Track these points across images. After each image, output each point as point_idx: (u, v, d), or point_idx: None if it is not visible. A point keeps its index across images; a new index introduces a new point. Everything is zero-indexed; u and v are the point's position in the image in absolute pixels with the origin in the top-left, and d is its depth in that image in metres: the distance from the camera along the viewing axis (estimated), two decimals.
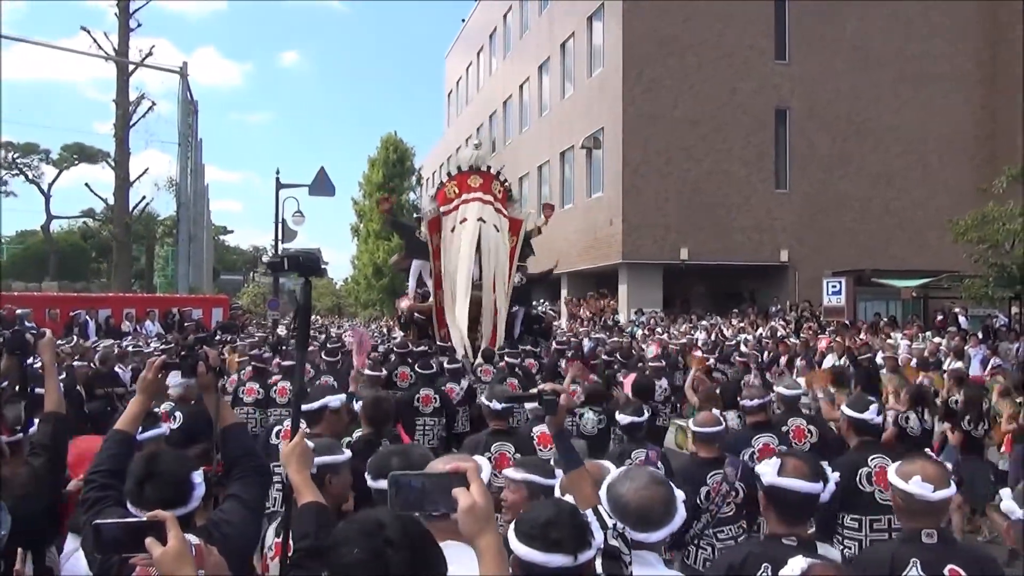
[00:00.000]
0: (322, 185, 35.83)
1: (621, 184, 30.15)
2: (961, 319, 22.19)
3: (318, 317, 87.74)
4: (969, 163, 32.16)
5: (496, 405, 6.52)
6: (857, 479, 5.49)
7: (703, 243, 30.25)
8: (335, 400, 5.77)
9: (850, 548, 5.30)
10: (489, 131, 49.34)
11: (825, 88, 31.35)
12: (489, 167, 17.93)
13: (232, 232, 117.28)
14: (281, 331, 25.83)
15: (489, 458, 6.07)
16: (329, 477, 4.09)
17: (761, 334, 22.64)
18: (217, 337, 20.36)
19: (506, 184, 17.82)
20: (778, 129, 31.50)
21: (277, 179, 35.32)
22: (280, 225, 35.35)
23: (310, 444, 3.52)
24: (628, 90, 30.21)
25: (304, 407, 5.53)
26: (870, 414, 5.75)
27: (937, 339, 18.64)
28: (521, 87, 42.56)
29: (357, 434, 6.28)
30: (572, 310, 32.00)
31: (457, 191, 17.30)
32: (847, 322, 22.54)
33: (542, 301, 36.73)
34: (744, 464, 5.78)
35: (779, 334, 21.54)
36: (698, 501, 5.49)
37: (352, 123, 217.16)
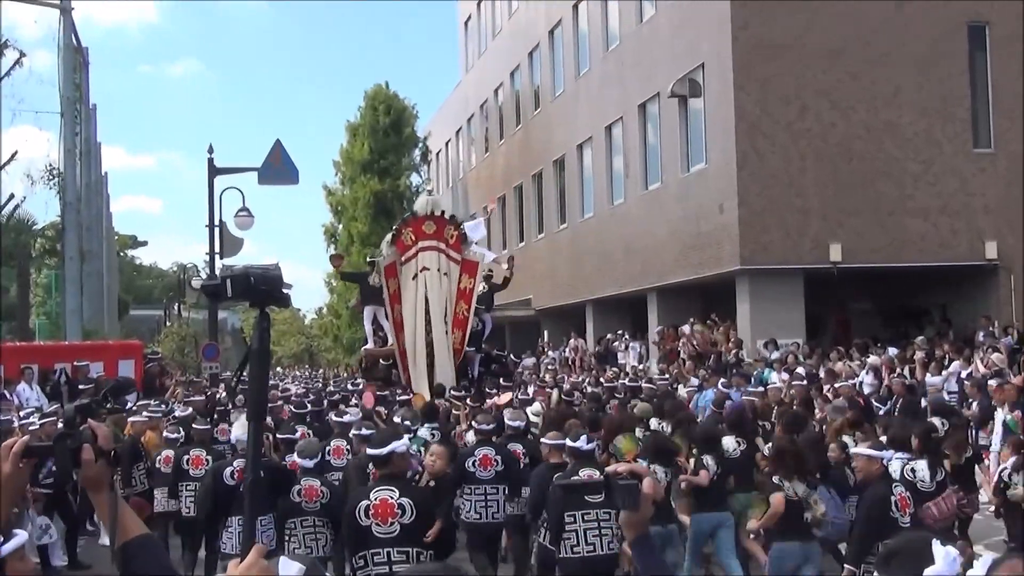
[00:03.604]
0: (278, 168, 36.10)
1: (734, 150, 30.00)
2: None
3: (279, 368, 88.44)
4: None
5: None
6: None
7: (863, 236, 29.97)
8: (401, 445, 9.58)
9: None
10: (529, 76, 49.45)
11: None
12: (443, 212, 26.56)
13: (145, 244, 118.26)
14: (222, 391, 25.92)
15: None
16: None
17: (959, 373, 22.35)
18: (108, 404, 20.34)
19: (460, 227, 26.13)
20: (973, 56, 31.16)
21: (210, 161, 35.59)
22: (217, 230, 35.61)
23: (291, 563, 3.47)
24: (739, 7, 30.15)
25: (372, 452, 9.62)
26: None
27: None
28: (575, 8, 42.62)
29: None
30: (669, 345, 31.83)
31: (413, 238, 25.56)
32: None
33: (620, 333, 36.70)
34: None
35: (984, 373, 21.29)
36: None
37: (321, 73, 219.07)
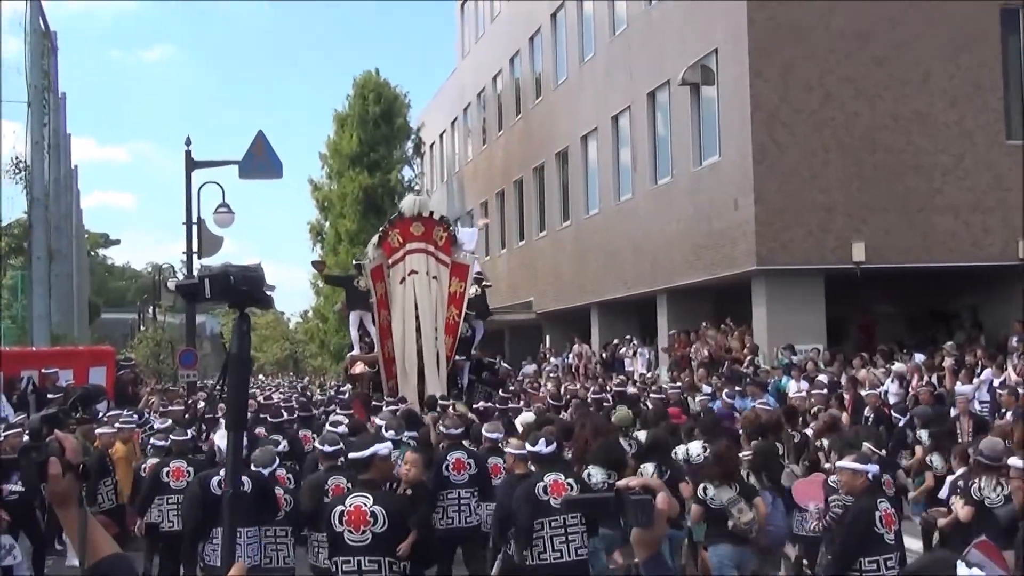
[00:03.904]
0: (261, 161, 36.10)
1: (750, 141, 29.99)
2: None
3: (261, 376, 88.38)
4: None
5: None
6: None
7: (889, 234, 29.97)
8: (384, 448, 10.33)
9: None
10: (530, 62, 49.42)
11: None
12: (431, 212, 27.15)
13: (118, 243, 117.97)
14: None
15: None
16: None
17: (991, 381, 22.31)
18: (77, 414, 20.30)
19: (450, 229, 27.01)
20: (1007, 42, 31.15)
21: (188, 153, 35.59)
22: (195, 228, 35.61)
23: None
24: None
25: (353, 455, 10.32)
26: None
27: None
28: None
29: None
30: (679, 352, 31.81)
31: (401, 240, 26.18)
32: None
33: (627, 338, 36.66)
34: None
35: (1017, 381, 21.31)
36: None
37: (307, 59, 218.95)
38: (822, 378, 24.33)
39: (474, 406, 22.56)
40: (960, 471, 13.69)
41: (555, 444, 12.31)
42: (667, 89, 35.10)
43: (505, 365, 34.42)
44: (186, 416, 22.36)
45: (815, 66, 30.04)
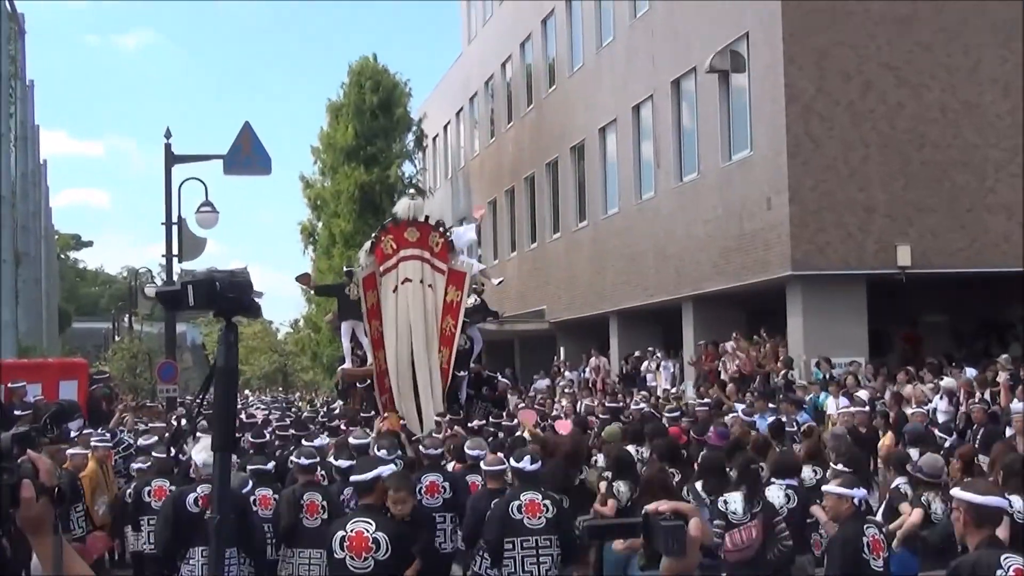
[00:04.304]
0: (247, 155, 36.14)
1: (784, 134, 29.98)
2: None
3: (248, 392, 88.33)
4: None
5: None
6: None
7: (937, 236, 29.92)
8: (387, 470, 11.22)
9: None
10: (543, 48, 49.39)
11: None
12: (427, 217, 27.70)
13: (91, 245, 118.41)
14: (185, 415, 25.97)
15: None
16: None
17: None
18: (49, 433, 20.43)
19: (447, 235, 27.02)
20: None
21: (168, 147, 35.63)
22: (176, 229, 35.64)
23: None
24: None
25: (355, 478, 11.11)
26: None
27: None
28: None
29: None
30: (707, 366, 31.77)
31: (395, 246, 26.51)
32: None
33: (650, 350, 36.62)
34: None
35: None
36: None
37: (298, 43, 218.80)
38: (863, 394, 24.25)
39: (470, 424, 22.87)
40: (898, 480, 14.09)
41: (539, 463, 12.74)
42: (693, 77, 35.10)
43: (504, 379, 34.67)
44: (167, 436, 22.50)
45: (854, 52, 30.01)
